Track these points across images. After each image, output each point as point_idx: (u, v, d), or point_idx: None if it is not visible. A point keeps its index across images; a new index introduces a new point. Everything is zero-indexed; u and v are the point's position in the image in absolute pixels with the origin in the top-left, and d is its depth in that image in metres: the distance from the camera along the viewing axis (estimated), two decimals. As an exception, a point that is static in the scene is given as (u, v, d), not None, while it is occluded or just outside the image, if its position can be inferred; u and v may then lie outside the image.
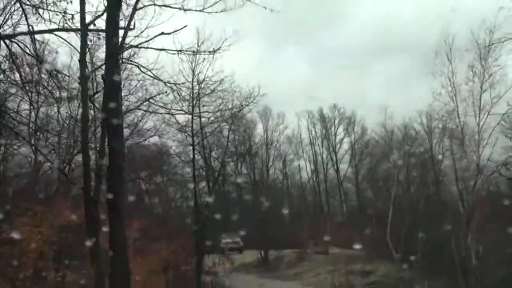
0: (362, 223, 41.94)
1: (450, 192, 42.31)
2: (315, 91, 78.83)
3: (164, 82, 13.51)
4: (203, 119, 24.46)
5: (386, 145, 47.44)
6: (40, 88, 13.63)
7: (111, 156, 10.83)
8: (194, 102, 23.77)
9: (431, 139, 44.53)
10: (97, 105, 14.16)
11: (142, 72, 14.56)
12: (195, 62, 22.83)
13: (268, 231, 40.87)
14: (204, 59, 22.30)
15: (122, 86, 25.54)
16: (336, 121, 60.17)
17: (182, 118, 25.06)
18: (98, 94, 12.89)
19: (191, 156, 26.40)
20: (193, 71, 23.02)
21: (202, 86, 23.24)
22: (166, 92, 14.23)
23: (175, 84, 14.07)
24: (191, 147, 25.96)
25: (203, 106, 24.15)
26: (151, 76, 13.38)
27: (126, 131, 28.59)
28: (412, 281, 27.60)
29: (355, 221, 49.48)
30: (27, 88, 14.58)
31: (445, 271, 28.08)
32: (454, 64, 27.79)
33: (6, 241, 15.31)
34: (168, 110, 14.17)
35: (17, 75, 13.55)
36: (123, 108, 18.95)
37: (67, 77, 14.34)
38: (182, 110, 14.26)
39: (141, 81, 17.63)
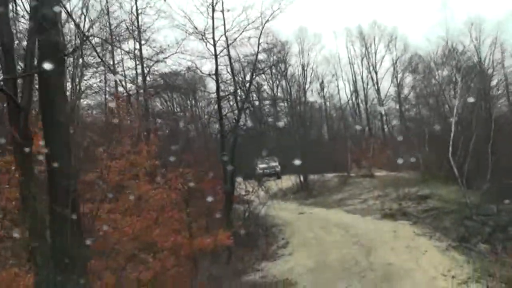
0: (409, 143, 36.86)
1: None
2: (353, 8, 72.24)
3: None
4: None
5: (432, 60, 42.20)
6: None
7: (39, 29, 5.86)
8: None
9: (480, 53, 39.51)
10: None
11: None
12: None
13: (307, 154, 36.51)
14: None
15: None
16: (376, 39, 54.27)
17: (201, 25, 20.42)
18: None
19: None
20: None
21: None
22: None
23: None
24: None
25: (228, 10, 19.18)
26: None
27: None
28: (478, 207, 22.54)
29: (401, 142, 44.52)
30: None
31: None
32: None
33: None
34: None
35: None
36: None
37: None
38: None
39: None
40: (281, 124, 44.01)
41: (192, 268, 18.02)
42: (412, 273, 15.34)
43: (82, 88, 22.50)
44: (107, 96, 24.86)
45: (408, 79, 52.18)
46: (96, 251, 13.37)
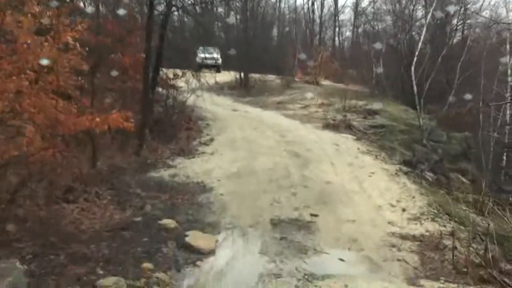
0: (362, 56, 33.21)
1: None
2: None
3: None
4: None
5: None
6: None
7: None
8: None
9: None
10: None
11: None
12: None
13: (254, 52, 32.40)
14: None
15: None
16: None
17: None
18: None
19: None
20: None
21: None
22: None
23: None
24: None
25: None
26: None
27: None
28: (431, 132, 19.39)
29: (353, 54, 40.96)
30: None
31: (470, 125, 20.00)
32: None
33: None
34: None
35: None
36: None
37: None
38: None
39: None
40: (229, 15, 38.90)
41: (91, 154, 14.00)
42: (354, 198, 11.83)
43: None
44: None
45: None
46: None
